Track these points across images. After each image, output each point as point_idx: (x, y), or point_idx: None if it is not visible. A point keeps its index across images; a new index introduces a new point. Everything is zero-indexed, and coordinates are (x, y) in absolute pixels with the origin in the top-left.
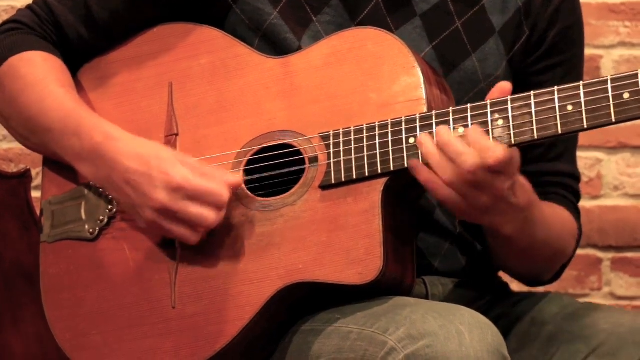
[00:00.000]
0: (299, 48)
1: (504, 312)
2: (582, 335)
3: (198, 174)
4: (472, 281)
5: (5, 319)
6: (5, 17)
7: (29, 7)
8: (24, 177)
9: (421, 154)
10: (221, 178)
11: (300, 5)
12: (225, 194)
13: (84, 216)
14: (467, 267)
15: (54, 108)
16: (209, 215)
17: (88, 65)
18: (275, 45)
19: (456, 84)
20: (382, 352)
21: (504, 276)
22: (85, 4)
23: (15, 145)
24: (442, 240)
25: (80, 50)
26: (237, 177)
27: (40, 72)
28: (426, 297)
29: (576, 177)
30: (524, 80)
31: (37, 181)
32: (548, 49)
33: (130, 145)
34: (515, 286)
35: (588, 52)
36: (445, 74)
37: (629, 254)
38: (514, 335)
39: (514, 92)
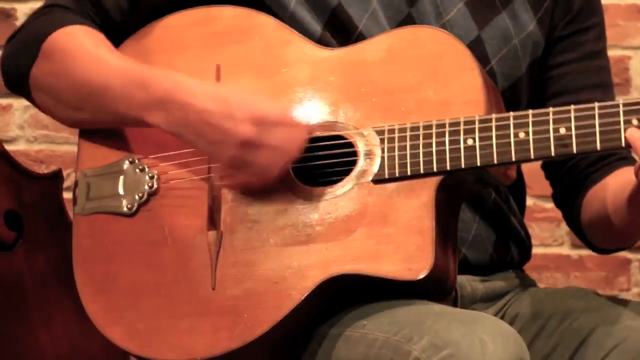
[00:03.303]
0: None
1: (528, 306)
2: (606, 330)
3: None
4: (498, 278)
5: (37, 318)
6: None
7: None
8: (56, 178)
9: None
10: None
11: None
12: (303, 128)
13: (121, 191)
14: (493, 256)
15: (111, 67)
16: (298, 137)
17: (129, 40)
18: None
19: (490, 39)
20: None
21: (530, 272)
22: None
23: (46, 147)
24: (468, 224)
25: (121, 24)
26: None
27: (88, 41)
28: (455, 299)
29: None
30: (557, 43)
31: (68, 182)
32: (576, 15)
33: (202, 87)
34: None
35: (617, 53)
36: (480, 29)
37: None
38: (536, 329)
39: (548, 56)
